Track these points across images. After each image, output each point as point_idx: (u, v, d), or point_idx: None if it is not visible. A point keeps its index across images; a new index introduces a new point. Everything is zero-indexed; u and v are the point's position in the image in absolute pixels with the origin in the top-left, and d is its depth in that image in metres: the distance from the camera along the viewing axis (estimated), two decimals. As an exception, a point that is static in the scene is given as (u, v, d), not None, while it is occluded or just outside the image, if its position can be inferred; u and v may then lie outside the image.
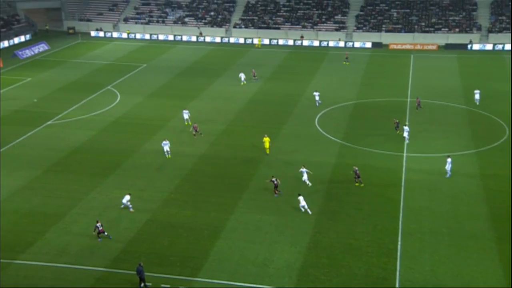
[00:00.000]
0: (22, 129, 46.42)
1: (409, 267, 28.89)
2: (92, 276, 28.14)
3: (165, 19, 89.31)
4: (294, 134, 46.05)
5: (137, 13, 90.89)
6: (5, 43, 76.99)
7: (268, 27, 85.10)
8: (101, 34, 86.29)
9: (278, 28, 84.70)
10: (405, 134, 43.49)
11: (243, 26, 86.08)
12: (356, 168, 37.37)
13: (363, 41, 79.47)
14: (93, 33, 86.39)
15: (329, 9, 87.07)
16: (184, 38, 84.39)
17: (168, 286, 27.49)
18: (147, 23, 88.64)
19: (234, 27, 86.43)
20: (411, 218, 33.11)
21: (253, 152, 42.24)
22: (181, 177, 38.37)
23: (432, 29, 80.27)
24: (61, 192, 35.98)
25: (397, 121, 46.38)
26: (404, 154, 41.73)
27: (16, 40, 79.76)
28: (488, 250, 30.06)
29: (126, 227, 32.21)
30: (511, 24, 77.89)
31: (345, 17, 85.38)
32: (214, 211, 34.07)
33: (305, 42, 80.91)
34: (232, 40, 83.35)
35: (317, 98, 52.44)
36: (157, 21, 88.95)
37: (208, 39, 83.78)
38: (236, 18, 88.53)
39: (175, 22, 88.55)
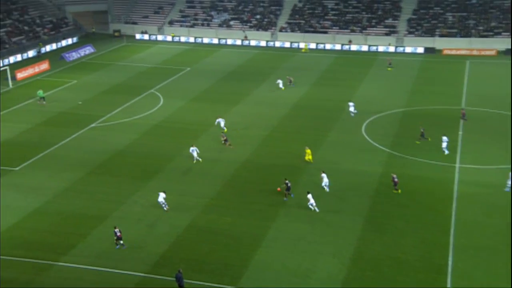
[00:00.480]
0: (66, 131, 48.17)
1: (460, 285, 28.09)
2: (131, 281, 28.82)
3: (210, 22, 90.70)
4: (339, 142, 45.74)
5: (182, 16, 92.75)
6: (53, 46, 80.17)
7: (315, 31, 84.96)
8: (146, 37, 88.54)
9: (326, 32, 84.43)
10: (443, 145, 42.34)
11: (289, 30, 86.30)
12: (394, 176, 37.06)
13: (415, 46, 78.12)
14: (138, 36, 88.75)
15: (380, 12, 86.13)
16: (229, 41, 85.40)
17: (207, 294, 27.82)
18: (191, 26, 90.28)
19: (280, 30, 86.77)
20: (463, 233, 32.21)
21: (296, 160, 42.19)
22: (222, 183, 38.79)
23: (491, 33, 77.98)
24: (103, 195, 37.07)
25: (423, 129, 45.31)
26: (457, 165, 40.69)
27: (64, 42, 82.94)
28: (547, 271, 28.85)
29: (166, 232, 32.83)
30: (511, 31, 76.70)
31: (396, 21, 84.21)
32: (255, 218, 34.24)
33: (353, 47, 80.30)
34: (277, 44, 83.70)
35: (351, 109, 51.35)
36: (202, 24, 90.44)
37: (253, 42, 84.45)
38: (282, 21, 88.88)
39: (220, 25, 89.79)
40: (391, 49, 78.31)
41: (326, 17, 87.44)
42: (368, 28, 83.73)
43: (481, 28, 79.23)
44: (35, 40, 79.55)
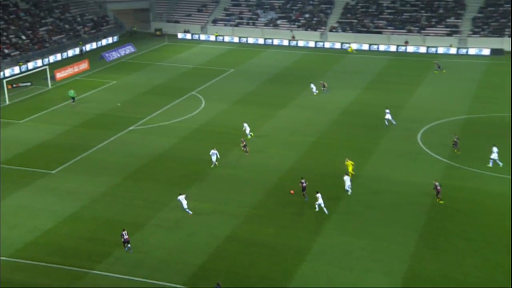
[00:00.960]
0: (104, 133, 49.46)
1: (526, 312, 27.02)
2: (167, 291, 29.20)
3: (256, 21, 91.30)
4: (392, 150, 45.06)
5: (227, 15, 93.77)
6: (93, 45, 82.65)
7: (368, 31, 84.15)
8: (188, 36, 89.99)
9: (380, 33, 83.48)
10: (493, 156, 41.06)
11: (340, 30, 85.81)
12: (437, 183, 36.55)
13: (480, 48, 76.15)
14: (180, 35, 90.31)
15: (441, 11, 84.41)
16: (275, 41, 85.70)
17: (246, 309, 27.85)
18: (236, 25, 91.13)
19: (330, 30, 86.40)
20: (530, 255, 31.00)
21: (345, 169, 41.77)
22: (265, 192, 38.84)
23: None
24: (140, 201, 37.79)
25: (457, 138, 44.05)
26: (524, 179, 39.29)
27: (104, 41, 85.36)
28: None
29: (204, 242, 33.12)
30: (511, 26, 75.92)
31: (459, 20, 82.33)
32: (299, 230, 34.09)
33: (410, 48, 79.04)
34: (327, 44, 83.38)
35: (388, 116, 50.21)
36: (247, 23, 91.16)
37: (301, 43, 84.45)
38: (333, 21, 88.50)
39: (266, 25, 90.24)
40: (453, 50, 76.63)
41: (380, 16, 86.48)
42: (427, 28, 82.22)
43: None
44: (76, 39, 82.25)
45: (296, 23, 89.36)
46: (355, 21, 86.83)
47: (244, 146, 44.92)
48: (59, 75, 66.52)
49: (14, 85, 62.14)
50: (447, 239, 32.80)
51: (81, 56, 78.01)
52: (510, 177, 39.78)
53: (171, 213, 36.24)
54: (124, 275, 30.40)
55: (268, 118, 53.02)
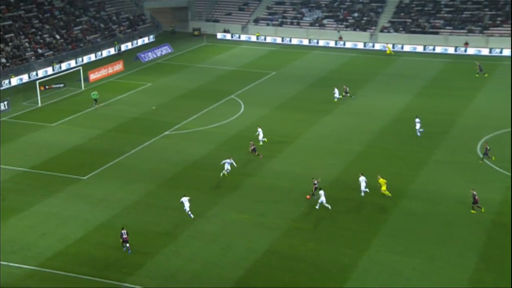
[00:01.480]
0: (138, 138, 50.34)
1: None
2: (201, 307, 29.40)
3: (300, 21, 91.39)
4: (448, 162, 44.27)
5: (269, 14, 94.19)
6: (129, 45, 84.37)
7: (423, 32, 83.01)
8: (228, 36, 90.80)
9: (436, 33, 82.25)
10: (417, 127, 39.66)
11: (392, 30, 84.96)
12: (475, 192, 36.03)
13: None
14: (219, 35, 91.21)
15: (507, 9, 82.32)
16: (321, 42, 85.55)
17: (285, 330, 27.75)
18: (279, 25, 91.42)
19: (381, 31, 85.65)
20: None
21: (395, 180, 41.27)
22: (307, 204, 38.70)
23: None
24: (174, 210, 38.22)
25: (488, 146, 42.86)
26: None
27: (140, 41, 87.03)
28: None
29: (242, 256, 33.23)
30: (511, 28, 73.97)
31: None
32: (343, 246, 33.82)
33: (470, 50, 77.57)
34: (377, 46, 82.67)
35: (418, 126, 49.34)
36: (291, 23, 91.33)
37: (348, 44, 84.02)
38: (384, 20, 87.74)
39: (311, 24, 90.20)
40: (520, 53, 74.80)
41: (438, 15, 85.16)
42: (490, 28, 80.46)
43: None
44: (111, 39, 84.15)
45: (344, 23, 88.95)
46: (409, 20, 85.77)
47: (253, 150, 45.37)
48: (93, 76, 68.13)
49: (47, 87, 63.95)
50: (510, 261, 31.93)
51: (119, 55, 79.82)
52: None
53: (206, 224, 36.53)
54: (156, 288, 30.78)
55: (311, 125, 52.88)
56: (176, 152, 47.38)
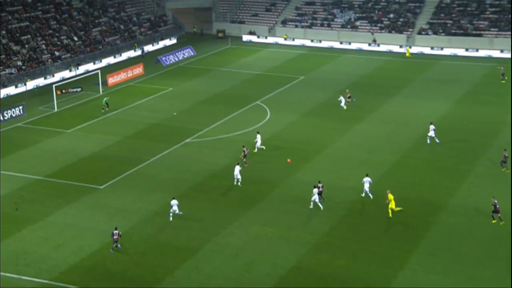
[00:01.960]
0: (158, 146, 50.78)
1: None
2: (222, 326, 29.42)
3: (332, 22, 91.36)
4: (491, 174, 43.77)
5: (298, 15, 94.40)
6: (149, 47, 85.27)
7: (466, 34, 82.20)
8: (254, 38, 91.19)
9: (480, 35, 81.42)
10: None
11: (430, 32, 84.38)
12: (496, 201, 35.81)
13: None
14: (245, 38, 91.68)
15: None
16: (353, 45, 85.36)
17: None
18: (309, 27, 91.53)
19: (419, 33, 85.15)
20: None
21: (433, 194, 40.91)
22: (337, 217, 38.55)
23: None
24: (195, 223, 38.42)
25: (506, 154, 42.36)
26: None
27: (161, 44, 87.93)
28: None
29: (266, 272, 33.20)
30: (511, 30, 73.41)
31: None
32: (376, 263, 33.56)
33: (517, 54, 76.64)
34: (414, 49, 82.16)
35: (431, 133, 49.13)
36: (321, 25, 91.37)
37: (383, 47, 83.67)
38: (422, 21, 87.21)
39: (343, 26, 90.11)
40: None
41: (482, 15, 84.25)
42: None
43: None
44: (131, 41, 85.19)
45: (379, 25, 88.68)
46: (450, 22, 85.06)
47: (245, 156, 45.68)
48: (112, 80, 69.00)
49: (64, 91, 64.95)
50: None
51: (142, 58, 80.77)
52: None
53: (229, 238, 36.62)
54: (175, 305, 30.89)
55: (342, 133, 52.71)
56: (197, 161, 47.64)
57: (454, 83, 66.95)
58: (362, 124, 54.99)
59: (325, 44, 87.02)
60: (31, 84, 67.48)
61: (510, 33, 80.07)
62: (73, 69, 73.06)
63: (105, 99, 60.33)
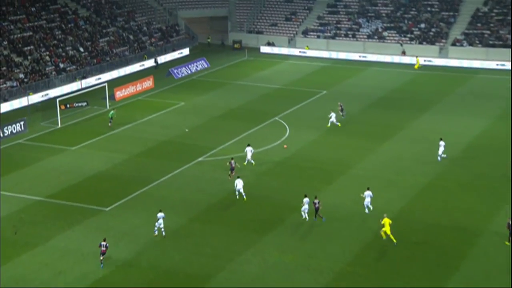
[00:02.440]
0: (168, 164, 50.92)
1: None
2: None
3: (357, 33, 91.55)
4: (533, 199, 43.18)
5: (320, 24, 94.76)
6: (160, 59, 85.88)
7: (505, 45, 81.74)
8: (273, 50, 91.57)
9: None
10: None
11: (466, 44, 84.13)
12: (510, 222, 35.70)
13: None
14: (263, 49, 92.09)
15: None
16: (381, 58, 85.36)
17: None
18: (332, 37, 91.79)
19: (453, 44, 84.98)
20: None
21: (469, 219, 40.49)
22: (362, 244, 38.26)
23: None
24: (208, 248, 38.33)
25: None
26: None
27: (173, 55, 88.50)
28: None
29: (284, 303, 33.01)
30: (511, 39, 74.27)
31: None
32: (405, 296, 33.24)
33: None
34: (448, 62, 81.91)
35: (441, 150, 49.68)
36: (346, 35, 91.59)
37: (413, 60, 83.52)
38: (457, 32, 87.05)
39: (369, 37, 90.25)
40: None
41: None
42: None
43: None
44: (140, 52, 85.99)
45: (408, 35, 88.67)
46: (487, 32, 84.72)
47: (232, 169, 47.01)
48: (119, 94, 69.54)
49: (68, 105, 65.54)
50: None
51: (156, 69, 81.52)
52: None
53: (245, 265, 36.47)
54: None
55: (368, 152, 52.51)
56: (211, 181, 47.67)
57: (491, 98, 66.51)
58: (390, 143, 54.75)
59: (349, 56, 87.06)
60: (33, 98, 68.17)
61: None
62: (78, 82, 73.81)
63: (111, 112, 60.85)
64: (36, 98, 68.42)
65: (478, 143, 53.67)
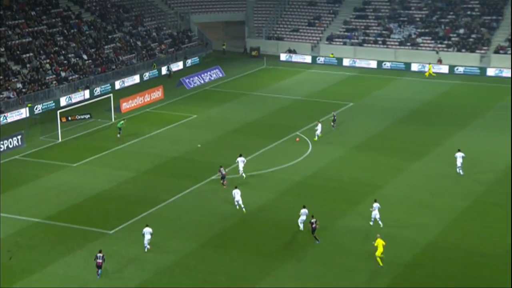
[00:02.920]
0: (179, 183, 50.99)
1: None
2: None
3: (387, 39, 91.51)
4: None
5: (347, 30, 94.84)
6: (172, 67, 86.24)
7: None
8: (295, 58, 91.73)
9: None
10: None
11: (510, 51, 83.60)
12: None
13: None
14: (283, 57, 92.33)
15: None
16: (414, 66, 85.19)
17: None
18: (360, 44, 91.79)
19: (496, 51, 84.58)
20: None
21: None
22: (393, 274, 37.97)
23: None
24: (221, 276, 38.15)
25: None
26: None
27: (184, 63, 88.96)
28: None
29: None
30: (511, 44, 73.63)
31: None
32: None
33: None
34: (490, 71, 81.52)
35: (459, 162, 50.33)
36: (375, 42, 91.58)
37: (451, 69, 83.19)
38: (500, 38, 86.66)
39: (401, 43, 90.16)
40: None
41: None
42: None
43: None
44: (149, 60, 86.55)
45: (445, 42, 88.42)
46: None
47: (223, 178, 49.24)
48: (126, 105, 69.95)
49: (70, 118, 65.95)
50: None
51: (169, 78, 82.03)
52: None
53: (261, 296, 36.37)
54: None
55: (399, 171, 52.26)
56: (225, 202, 47.64)
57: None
58: (424, 161, 54.44)
59: (379, 64, 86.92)
60: (32, 110, 68.70)
61: None
62: (81, 92, 74.40)
63: (120, 122, 61.23)
64: (34, 110, 69.00)
65: (523, 162, 53.28)
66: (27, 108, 68.27)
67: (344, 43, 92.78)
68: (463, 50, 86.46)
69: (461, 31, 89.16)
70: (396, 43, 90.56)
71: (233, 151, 57.00)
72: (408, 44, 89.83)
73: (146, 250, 40.56)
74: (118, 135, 60.75)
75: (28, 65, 75.47)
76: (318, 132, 59.48)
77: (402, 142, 58.98)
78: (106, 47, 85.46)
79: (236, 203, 45.72)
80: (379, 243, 38.42)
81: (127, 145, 59.86)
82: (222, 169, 49.72)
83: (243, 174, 51.03)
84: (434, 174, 51.83)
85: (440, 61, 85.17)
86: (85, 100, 72.50)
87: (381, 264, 38.30)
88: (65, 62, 79.05)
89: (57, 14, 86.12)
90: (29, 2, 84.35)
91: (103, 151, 58.47)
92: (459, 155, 51.01)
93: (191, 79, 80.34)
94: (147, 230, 40.65)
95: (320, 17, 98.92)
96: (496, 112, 66.99)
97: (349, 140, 59.65)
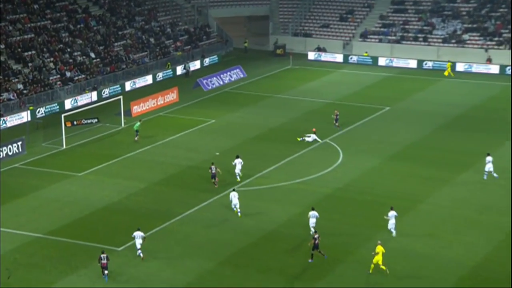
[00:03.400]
0: (195, 195, 51.00)
1: None
2: None
3: (429, 35, 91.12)
4: None
5: (383, 25, 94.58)
6: (190, 66, 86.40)
7: None
8: (324, 56, 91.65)
9: None
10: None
11: (510, 49, 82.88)
12: None
13: None
14: (311, 55, 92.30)
15: None
16: (459, 66, 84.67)
17: None
18: (397, 41, 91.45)
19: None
20: None
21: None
22: (433, 299, 37.75)
23: None
24: (241, 299, 38.28)
25: None
26: None
27: (201, 62, 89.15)
28: None
29: None
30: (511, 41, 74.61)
31: None
32: None
33: None
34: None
35: (488, 167, 50.64)
36: (415, 39, 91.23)
37: (501, 69, 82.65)
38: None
39: (445, 40, 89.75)
40: None
41: None
42: None
43: None
44: (163, 58, 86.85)
45: (496, 39, 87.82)
46: None
47: (213, 176, 50.93)
48: (137, 109, 70.21)
49: (75, 122, 66.19)
50: None
51: (187, 78, 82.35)
52: None
53: (286, 322, 36.27)
54: None
55: (442, 184, 51.98)
56: (246, 216, 47.61)
57: None
58: (470, 173, 54.11)
59: (419, 64, 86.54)
60: (34, 114, 69.16)
61: None
62: (88, 94, 74.84)
63: (136, 124, 61.61)
64: (37, 113, 69.51)
65: None
66: (29, 111, 68.76)
67: (380, 40, 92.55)
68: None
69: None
70: (439, 40, 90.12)
71: (255, 160, 57.10)
72: (453, 41, 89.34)
73: (138, 254, 41.39)
74: (136, 138, 61.12)
75: (30, 64, 75.98)
76: (308, 139, 60.56)
77: (445, 152, 58.67)
78: (115, 44, 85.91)
79: (233, 206, 46.96)
80: (379, 250, 38.88)
81: (137, 153, 60.06)
82: (213, 167, 51.36)
83: (239, 175, 52.77)
84: (482, 188, 51.42)
85: (489, 61, 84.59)
86: (92, 102, 72.93)
87: (384, 268, 38.94)
88: (71, 60, 79.54)
89: (62, 8, 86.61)
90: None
91: (111, 159, 58.71)
92: (489, 160, 51.67)
93: (209, 80, 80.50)
94: (138, 234, 41.37)
95: (353, 11, 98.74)
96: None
97: (384, 148, 59.41)
